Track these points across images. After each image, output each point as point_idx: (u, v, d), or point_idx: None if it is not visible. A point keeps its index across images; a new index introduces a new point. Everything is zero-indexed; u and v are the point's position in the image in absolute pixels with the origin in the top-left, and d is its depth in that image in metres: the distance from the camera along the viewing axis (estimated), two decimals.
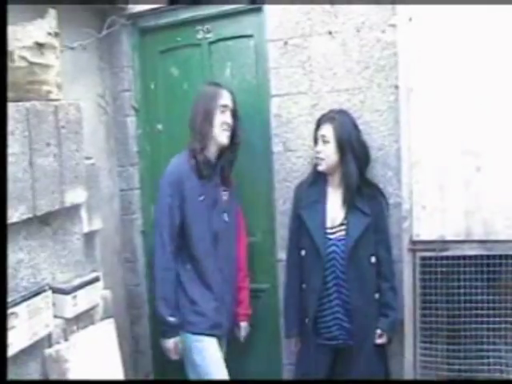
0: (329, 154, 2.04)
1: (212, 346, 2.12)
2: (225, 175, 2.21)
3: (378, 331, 2.04)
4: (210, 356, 2.10)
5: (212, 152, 2.15)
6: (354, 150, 2.02)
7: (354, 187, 2.02)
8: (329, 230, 2.06)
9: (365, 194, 2.03)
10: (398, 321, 2.06)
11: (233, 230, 2.23)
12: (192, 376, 2.15)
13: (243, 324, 2.33)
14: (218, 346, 2.16)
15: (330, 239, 2.05)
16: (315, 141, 2.12)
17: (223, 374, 2.11)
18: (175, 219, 2.08)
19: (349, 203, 2.04)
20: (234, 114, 2.18)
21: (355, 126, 2.07)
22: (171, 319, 2.08)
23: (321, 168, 2.08)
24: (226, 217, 2.18)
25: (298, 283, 2.15)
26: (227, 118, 2.14)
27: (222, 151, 2.18)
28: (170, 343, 2.13)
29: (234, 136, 2.18)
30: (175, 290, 2.10)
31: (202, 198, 2.10)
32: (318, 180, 2.13)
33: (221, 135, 2.12)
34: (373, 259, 2.03)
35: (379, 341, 2.04)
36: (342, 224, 2.05)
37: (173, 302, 2.09)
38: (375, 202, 2.06)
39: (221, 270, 2.15)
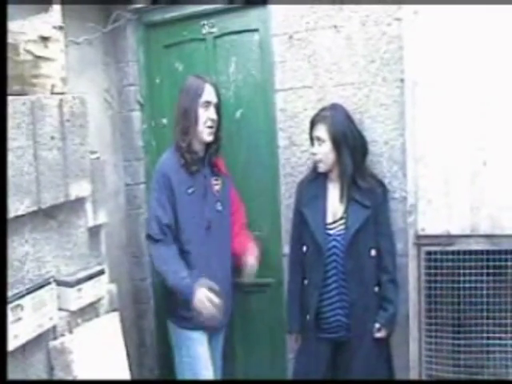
0: (325, 153, 2.04)
1: (201, 345, 2.11)
2: (213, 164, 2.19)
3: (377, 325, 2.02)
4: (197, 355, 2.10)
5: (198, 147, 2.14)
6: (349, 145, 2.01)
7: (348, 180, 2.01)
8: (329, 226, 2.06)
9: (363, 186, 2.02)
10: (397, 315, 2.05)
11: (226, 218, 2.21)
12: (178, 371, 2.16)
13: (250, 259, 2.19)
14: (212, 343, 2.16)
15: (330, 235, 2.05)
16: (311, 141, 2.11)
17: (208, 375, 2.11)
18: (167, 214, 2.06)
19: (347, 197, 2.03)
20: (218, 109, 2.15)
21: (349, 120, 2.06)
22: (183, 282, 2.00)
23: (320, 169, 2.09)
24: (219, 206, 2.16)
25: (300, 279, 2.15)
26: (211, 114, 2.11)
27: (209, 144, 2.16)
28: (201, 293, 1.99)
29: (217, 130, 2.16)
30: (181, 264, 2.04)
31: (191, 190, 2.09)
32: (318, 176, 2.12)
33: (205, 133, 2.10)
34: (373, 252, 2.02)
35: (378, 335, 2.03)
36: (341, 218, 2.04)
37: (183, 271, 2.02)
38: (375, 194, 2.04)
39: (214, 259, 2.13)
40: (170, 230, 2.08)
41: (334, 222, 2.05)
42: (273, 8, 2.31)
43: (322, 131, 2.03)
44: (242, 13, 2.44)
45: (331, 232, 2.05)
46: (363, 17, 2.15)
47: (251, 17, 2.42)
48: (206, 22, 2.52)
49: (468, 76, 1.90)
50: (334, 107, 2.09)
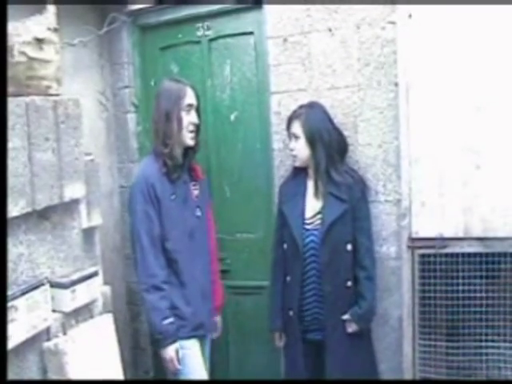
0: (300, 149, 2.08)
1: (194, 354, 2.06)
2: (192, 169, 2.16)
3: (345, 317, 2.02)
4: (191, 364, 2.05)
5: (179, 153, 2.05)
6: (323, 141, 2.04)
7: (323, 175, 2.04)
8: (307, 221, 2.08)
9: (339, 181, 2.04)
10: (371, 312, 2.05)
11: (205, 224, 2.18)
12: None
13: (217, 318, 2.25)
14: (201, 348, 2.11)
15: (308, 229, 2.06)
16: (289, 138, 2.15)
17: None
18: (155, 225, 1.99)
19: (323, 191, 2.05)
20: (198, 112, 2.10)
21: (325, 117, 2.10)
22: (165, 322, 1.96)
23: (296, 164, 2.14)
24: (198, 212, 2.12)
25: (282, 278, 2.15)
26: (193, 118, 2.06)
27: (186, 149, 2.11)
28: (171, 351, 1.98)
29: (196, 134, 2.10)
30: (163, 296, 1.99)
31: (173, 196, 2.04)
32: (298, 175, 2.17)
33: (187, 137, 2.05)
34: (349, 247, 2.03)
35: (349, 329, 2.03)
36: (319, 213, 2.06)
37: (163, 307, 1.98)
38: (352, 189, 2.05)
39: (198, 265, 2.09)
40: (159, 242, 2.01)
41: (312, 217, 2.07)
42: (268, 11, 2.32)
43: (296, 127, 2.09)
44: (237, 16, 2.45)
45: (309, 227, 2.06)
46: (358, 20, 2.16)
47: (246, 20, 2.43)
48: (201, 25, 2.53)
49: (462, 80, 1.92)
50: (310, 105, 2.14)
